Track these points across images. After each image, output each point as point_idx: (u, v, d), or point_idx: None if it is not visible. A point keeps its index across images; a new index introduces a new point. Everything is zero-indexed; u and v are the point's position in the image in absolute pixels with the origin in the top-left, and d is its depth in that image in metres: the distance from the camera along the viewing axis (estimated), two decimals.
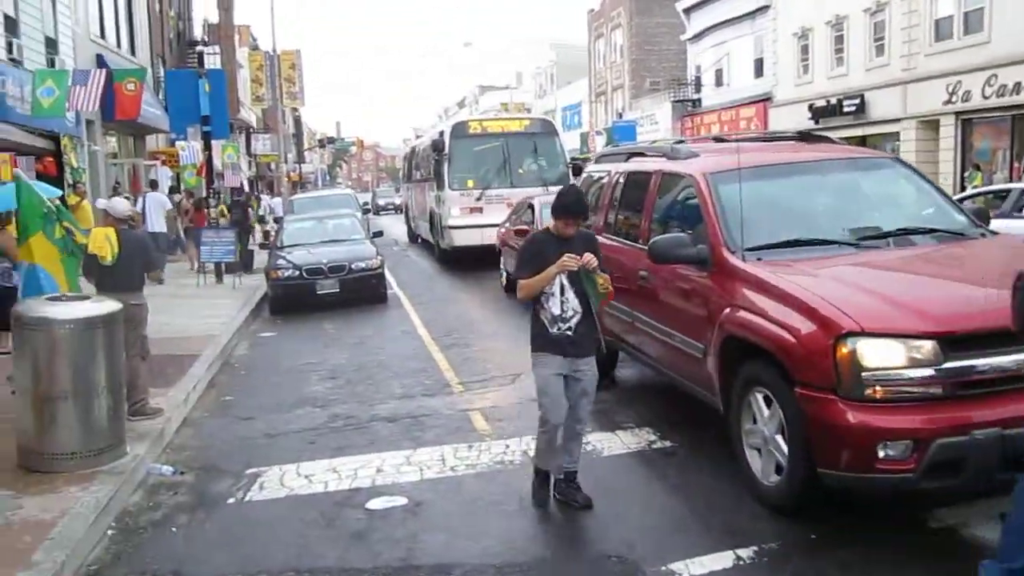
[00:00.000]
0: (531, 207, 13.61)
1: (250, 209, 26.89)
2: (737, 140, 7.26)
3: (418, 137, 36.99)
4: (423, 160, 23.74)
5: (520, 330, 11.40)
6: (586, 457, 5.61)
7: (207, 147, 17.97)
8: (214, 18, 39.78)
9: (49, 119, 17.48)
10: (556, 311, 5.08)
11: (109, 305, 6.14)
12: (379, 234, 17.21)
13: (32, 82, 16.12)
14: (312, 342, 11.43)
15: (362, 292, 14.03)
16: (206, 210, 19.16)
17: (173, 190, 25.39)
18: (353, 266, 13.95)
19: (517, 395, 7.86)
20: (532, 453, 5.59)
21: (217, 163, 22.32)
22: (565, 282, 5.06)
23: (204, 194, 18.75)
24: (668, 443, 6.26)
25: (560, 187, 5.83)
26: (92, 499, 5.41)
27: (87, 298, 6.21)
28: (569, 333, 5.09)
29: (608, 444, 6.32)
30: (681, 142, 7.25)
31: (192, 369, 9.19)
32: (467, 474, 5.96)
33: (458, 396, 8.09)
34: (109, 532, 5.26)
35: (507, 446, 6.42)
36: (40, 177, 18.53)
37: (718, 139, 8.24)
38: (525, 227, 12.97)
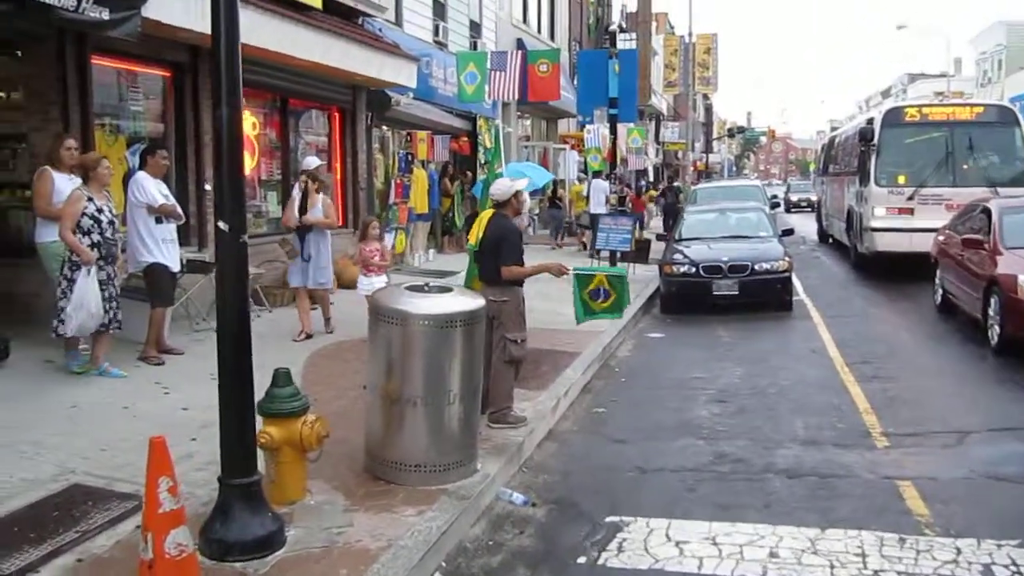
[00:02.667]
0: (986, 213, 10.90)
1: (681, 195, 26.46)
2: None
3: (833, 130, 33.73)
4: (843, 151, 21.18)
5: (967, 366, 9.37)
6: None
7: (613, 130, 17.31)
8: (632, 6, 39.84)
9: (471, 103, 18.12)
10: None
11: (469, 301, 5.30)
12: (789, 232, 15.31)
13: (456, 65, 16.63)
14: (703, 351, 10.08)
15: (764, 297, 12.37)
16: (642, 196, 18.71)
17: (596, 176, 25.55)
18: (757, 267, 12.32)
19: (967, 466, 5.84)
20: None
21: (622, 147, 21.82)
22: None
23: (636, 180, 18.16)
24: None
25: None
26: (426, 529, 4.56)
27: (449, 291, 5.41)
28: None
29: None
30: None
31: (568, 370, 8.30)
32: None
33: (882, 453, 6.24)
34: None
35: (958, 551, 4.52)
36: (454, 156, 19.27)
37: None
38: (976, 236, 10.42)
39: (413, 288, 5.36)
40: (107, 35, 7.88)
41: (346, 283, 12.55)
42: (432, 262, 16.44)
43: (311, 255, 9.11)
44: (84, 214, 6.80)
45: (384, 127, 15.91)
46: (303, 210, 9.11)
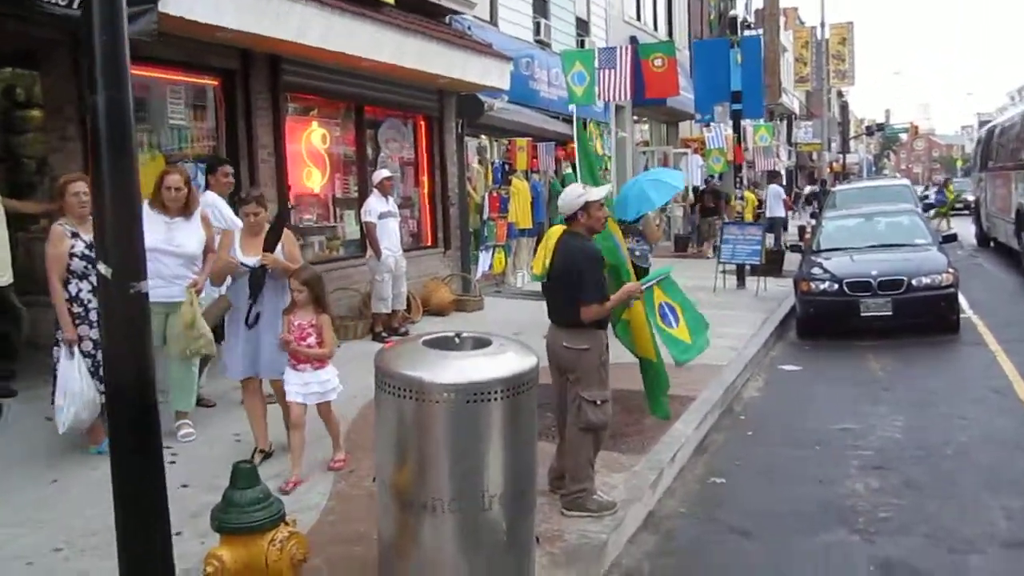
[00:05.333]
0: None
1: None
2: None
3: (982, 124, 30.39)
4: (1009, 142, 18.52)
5: None
6: None
7: (737, 128, 15.40)
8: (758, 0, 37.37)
9: (581, 106, 16.57)
10: None
11: (515, 359, 3.71)
12: (951, 238, 12.97)
13: (561, 65, 15.11)
14: (850, 389, 8.16)
15: (924, 318, 10.28)
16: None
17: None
18: (914, 282, 10.23)
19: None
20: None
21: (748, 147, 19.87)
22: None
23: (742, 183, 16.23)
24: None
25: None
26: None
27: (487, 344, 3.84)
28: None
29: None
30: None
31: (678, 423, 6.59)
32: None
33: None
34: None
35: None
36: (561, 164, 17.72)
37: None
38: None
39: (436, 342, 3.83)
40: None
41: (435, 308, 11.24)
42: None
43: (258, 318, 5.34)
44: (73, 255, 5.53)
45: (482, 136, 14.53)
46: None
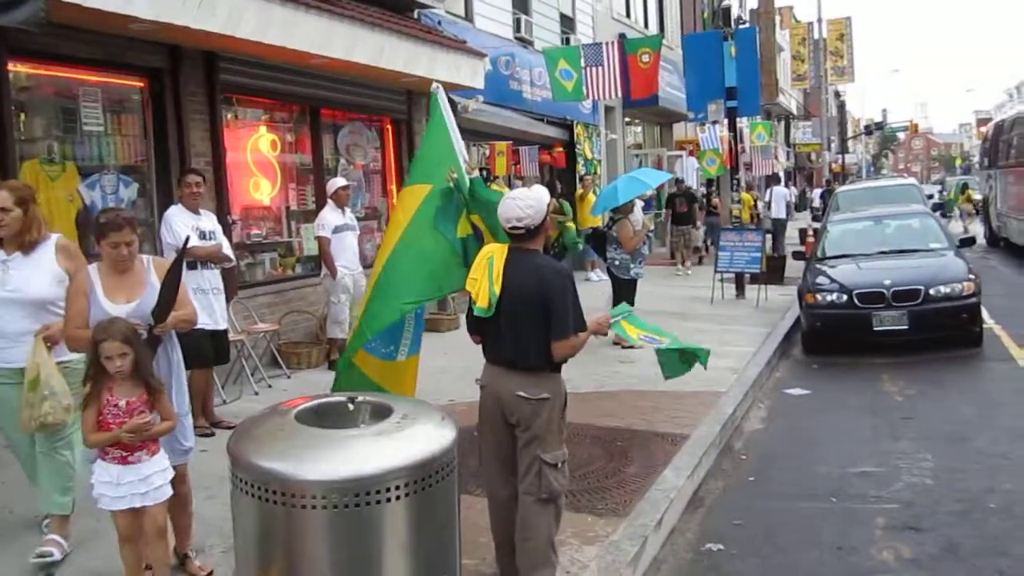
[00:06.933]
0: None
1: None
2: None
3: (981, 122, 29.42)
4: (1021, 137, 17.57)
5: None
6: None
7: (732, 127, 14.38)
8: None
9: (568, 104, 15.54)
10: None
11: (422, 437, 2.70)
12: (970, 241, 11.92)
13: (544, 63, 14.12)
14: (867, 418, 7.14)
15: (944, 331, 9.25)
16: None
17: (711, 183, 22.60)
18: (932, 291, 9.19)
19: None
20: None
21: (745, 147, 18.79)
22: None
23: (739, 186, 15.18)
24: None
25: None
26: None
27: (387, 413, 2.81)
28: None
29: None
30: None
31: (667, 471, 5.55)
32: None
33: None
34: None
35: None
36: (545, 169, 16.71)
37: None
38: None
39: (317, 412, 2.81)
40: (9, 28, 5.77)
41: None
42: None
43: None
44: None
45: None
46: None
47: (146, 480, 3.63)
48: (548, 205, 3.90)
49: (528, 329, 3.76)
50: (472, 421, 4.23)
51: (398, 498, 2.54)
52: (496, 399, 3.84)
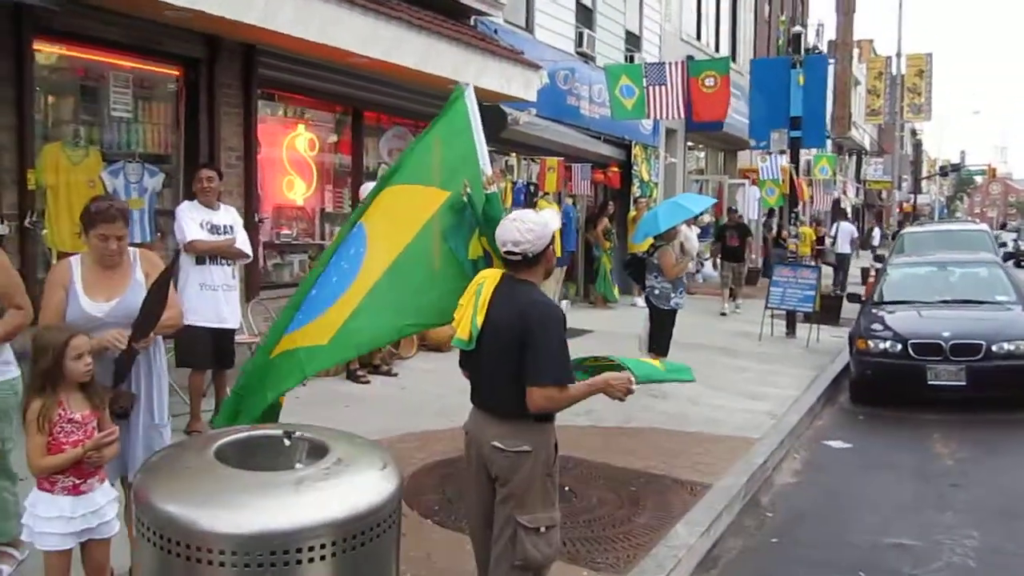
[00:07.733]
0: None
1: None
2: None
3: None
4: None
5: None
6: None
7: (794, 157, 13.80)
8: (830, 29, 35.44)
9: (627, 124, 15.10)
10: None
11: (356, 486, 2.32)
12: None
13: (605, 80, 13.75)
14: (910, 482, 6.57)
15: (1005, 391, 8.60)
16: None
17: (772, 213, 21.99)
18: (994, 347, 8.54)
19: None
20: None
21: (802, 180, 18.08)
22: None
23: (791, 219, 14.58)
24: None
25: None
26: None
27: (324, 451, 2.43)
28: None
29: None
30: None
31: (679, 526, 5.09)
32: None
33: None
34: None
35: None
36: (598, 188, 16.28)
37: None
38: None
39: (242, 448, 2.45)
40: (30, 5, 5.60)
41: (432, 343, 9.89)
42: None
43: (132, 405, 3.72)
44: None
45: (512, 153, 13.16)
46: None
47: (98, 512, 3.24)
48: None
49: (502, 369, 3.29)
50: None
51: (322, 558, 2.16)
52: (478, 448, 3.41)
